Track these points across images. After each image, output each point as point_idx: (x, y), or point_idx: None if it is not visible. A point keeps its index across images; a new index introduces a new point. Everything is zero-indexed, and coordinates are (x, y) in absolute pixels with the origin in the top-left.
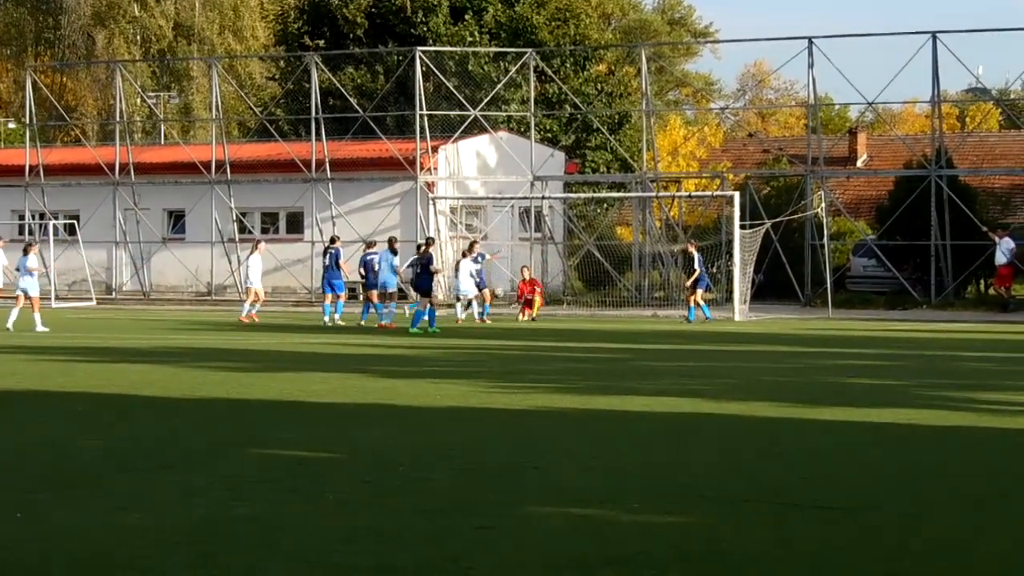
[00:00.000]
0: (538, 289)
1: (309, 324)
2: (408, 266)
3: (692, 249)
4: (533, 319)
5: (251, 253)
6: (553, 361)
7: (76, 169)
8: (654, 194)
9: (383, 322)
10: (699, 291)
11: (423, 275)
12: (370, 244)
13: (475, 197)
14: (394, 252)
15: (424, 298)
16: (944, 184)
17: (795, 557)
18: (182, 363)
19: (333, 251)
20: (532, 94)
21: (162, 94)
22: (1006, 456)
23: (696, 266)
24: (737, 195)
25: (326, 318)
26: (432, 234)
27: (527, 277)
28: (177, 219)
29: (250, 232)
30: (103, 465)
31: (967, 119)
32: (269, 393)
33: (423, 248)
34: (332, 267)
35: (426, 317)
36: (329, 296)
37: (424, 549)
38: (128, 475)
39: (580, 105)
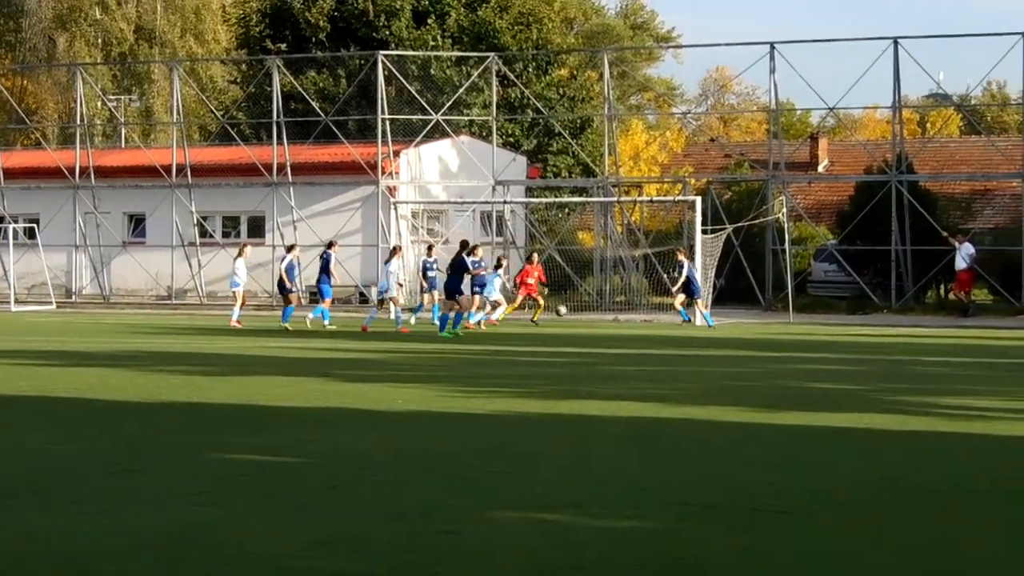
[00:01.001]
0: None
1: (270, 328)
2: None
3: (681, 257)
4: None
5: (237, 256)
6: (515, 365)
7: (36, 172)
8: (616, 199)
9: (367, 325)
10: (699, 299)
11: (454, 276)
12: (290, 248)
13: (437, 201)
14: (390, 259)
15: (449, 300)
16: (905, 189)
17: (758, 562)
18: (142, 367)
19: (325, 256)
20: (494, 98)
21: (123, 97)
22: (965, 461)
23: (685, 273)
24: (699, 200)
25: (326, 322)
26: (394, 238)
27: (535, 261)
28: (137, 223)
29: (211, 236)
30: (68, 470)
31: (928, 125)
32: (231, 397)
33: (469, 251)
34: (322, 272)
35: (451, 318)
36: (327, 300)
37: (389, 554)
38: (92, 480)
39: (542, 109)
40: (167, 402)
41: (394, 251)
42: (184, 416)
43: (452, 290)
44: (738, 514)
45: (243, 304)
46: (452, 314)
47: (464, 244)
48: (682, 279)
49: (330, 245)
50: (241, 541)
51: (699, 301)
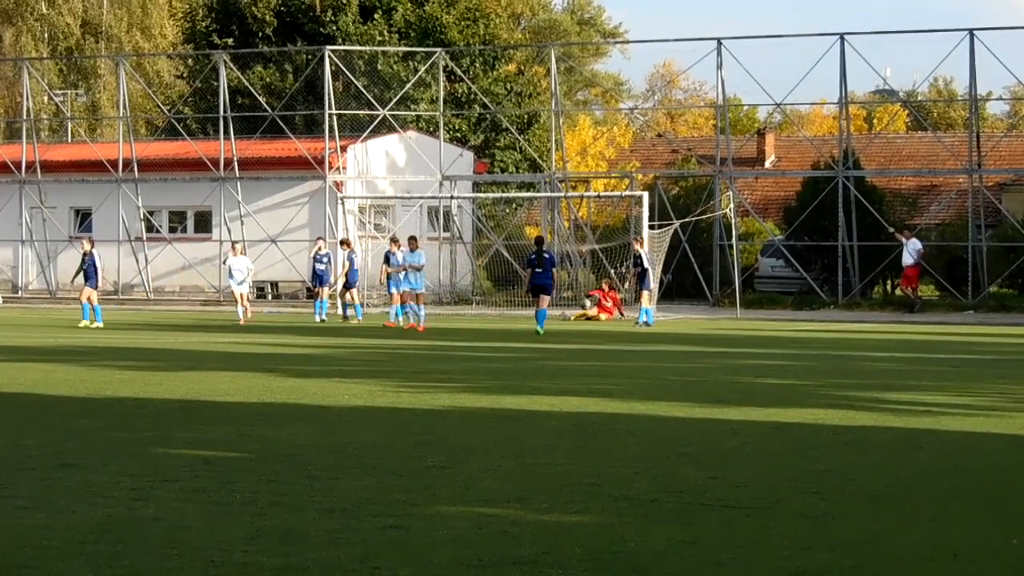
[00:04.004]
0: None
1: (216, 323)
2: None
3: (638, 247)
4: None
5: (232, 255)
6: (461, 360)
7: None
8: (563, 194)
9: (418, 324)
10: (644, 292)
11: (545, 273)
12: (92, 242)
13: (384, 196)
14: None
15: (547, 297)
16: (851, 185)
17: (700, 556)
18: (87, 362)
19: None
20: (441, 94)
21: (69, 92)
22: (909, 456)
23: (645, 264)
24: (646, 195)
25: (400, 319)
26: (341, 234)
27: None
28: (84, 217)
29: (158, 231)
30: (6, 465)
31: (874, 120)
32: (175, 392)
33: (538, 246)
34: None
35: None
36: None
37: (331, 549)
38: (32, 474)
39: (489, 105)
40: (112, 397)
41: (411, 241)
42: (128, 411)
43: (546, 286)
44: (679, 509)
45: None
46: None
47: (540, 240)
48: (643, 269)
49: (394, 240)
50: (177, 535)
51: (645, 294)
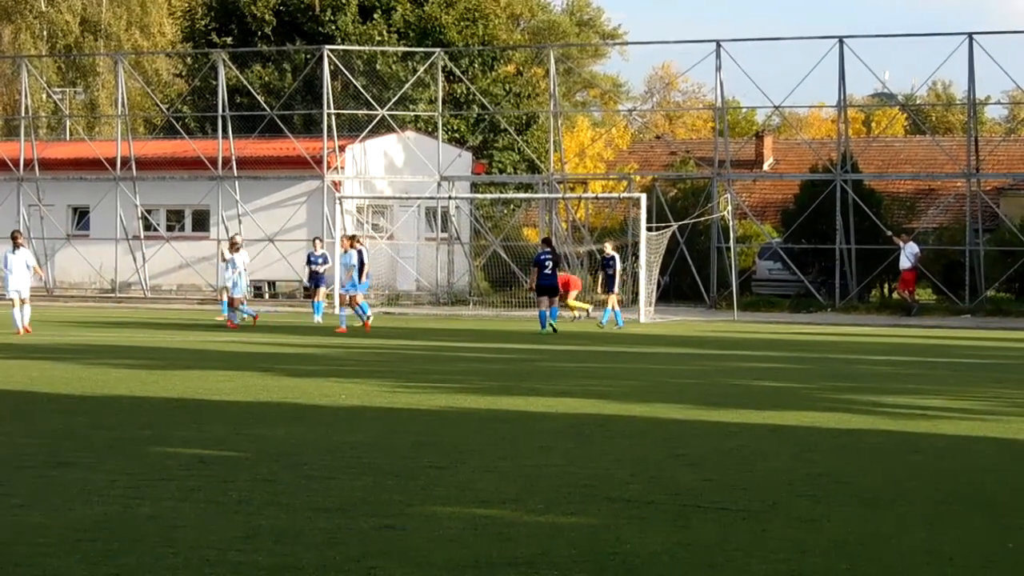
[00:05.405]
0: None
1: (214, 322)
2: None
3: (610, 250)
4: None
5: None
6: (458, 361)
7: None
8: (561, 195)
9: (344, 326)
10: (611, 295)
11: (551, 274)
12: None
13: (382, 197)
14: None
15: (551, 297)
16: (849, 188)
17: (696, 558)
18: (84, 360)
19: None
20: (440, 94)
21: (68, 90)
22: (906, 460)
23: (617, 267)
24: (644, 197)
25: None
26: (339, 233)
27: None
28: (82, 215)
29: (155, 229)
30: (3, 463)
31: (873, 124)
32: (172, 391)
33: (549, 246)
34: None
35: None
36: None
37: (326, 548)
38: (28, 472)
39: (488, 105)
40: (108, 395)
41: (352, 240)
42: (125, 410)
43: (551, 287)
44: (675, 511)
45: (234, 303)
46: (548, 309)
47: (547, 241)
48: (613, 272)
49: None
50: (173, 534)
51: (612, 297)
